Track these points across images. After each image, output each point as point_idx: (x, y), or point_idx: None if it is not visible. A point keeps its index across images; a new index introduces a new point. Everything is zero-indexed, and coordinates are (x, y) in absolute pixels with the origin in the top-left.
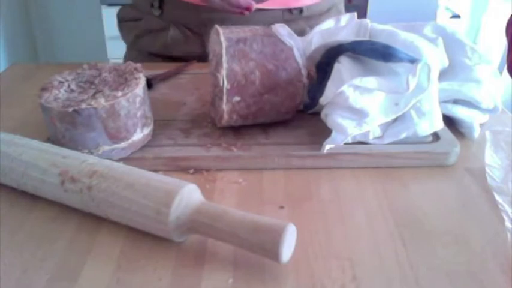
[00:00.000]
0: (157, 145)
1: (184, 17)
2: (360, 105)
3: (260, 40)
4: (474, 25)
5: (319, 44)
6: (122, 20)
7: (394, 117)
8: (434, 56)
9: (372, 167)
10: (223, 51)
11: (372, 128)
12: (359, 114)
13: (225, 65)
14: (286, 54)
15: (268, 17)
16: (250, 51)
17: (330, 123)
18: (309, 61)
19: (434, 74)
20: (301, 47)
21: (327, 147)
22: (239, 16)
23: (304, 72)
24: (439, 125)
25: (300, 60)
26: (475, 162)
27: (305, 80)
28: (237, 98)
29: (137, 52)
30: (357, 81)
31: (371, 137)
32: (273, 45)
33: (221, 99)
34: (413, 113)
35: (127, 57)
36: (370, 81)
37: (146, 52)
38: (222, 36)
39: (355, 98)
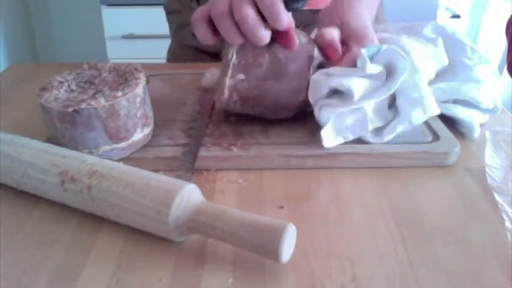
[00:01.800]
0: (157, 145)
1: None
2: (335, 83)
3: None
4: (474, 25)
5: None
6: (167, 12)
7: (386, 95)
8: (418, 48)
9: (372, 167)
10: None
11: (368, 116)
12: (344, 98)
13: None
14: (299, 49)
15: (295, 17)
16: None
17: (319, 114)
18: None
19: (419, 64)
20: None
21: (324, 133)
22: None
23: (312, 70)
24: (434, 111)
25: (310, 57)
26: (475, 162)
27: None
28: (241, 76)
29: (177, 44)
30: (325, 70)
31: (370, 127)
32: None
33: (226, 74)
34: (403, 103)
35: (168, 49)
36: (337, 69)
37: (184, 45)
38: None
39: (327, 80)
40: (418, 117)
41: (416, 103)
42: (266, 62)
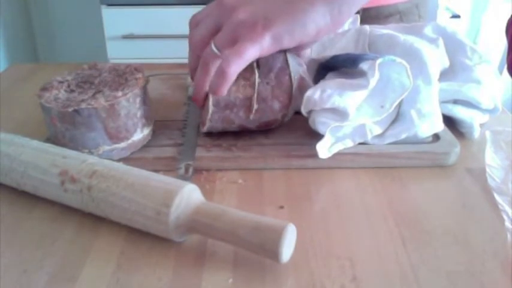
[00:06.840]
0: (157, 145)
1: None
2: (331, 104)
3: None
4: (474, 25)
5: (318, 51)
6: None
7: (379, 118)
8: (435, 58)
9: (372, 167)
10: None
11: (367, 125)
12: (339, 115)
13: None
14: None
15: None
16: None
17: (314, 126)
18: (308, 69)
19: (434, 76)
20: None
21: (319, 147)
22: None
23: (294, 89)
24: (440, 127)
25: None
26: (475, 162)
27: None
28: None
29: None
30: (320, 85)
31: (369, 136)
32: None
33: (207, 112)
34: (413, 114)
35: None
36: (332, 83)
37: None
38: None
39: (323, 100)
40: (424, 130)
41: (426, 116)
42: (244, 109)
